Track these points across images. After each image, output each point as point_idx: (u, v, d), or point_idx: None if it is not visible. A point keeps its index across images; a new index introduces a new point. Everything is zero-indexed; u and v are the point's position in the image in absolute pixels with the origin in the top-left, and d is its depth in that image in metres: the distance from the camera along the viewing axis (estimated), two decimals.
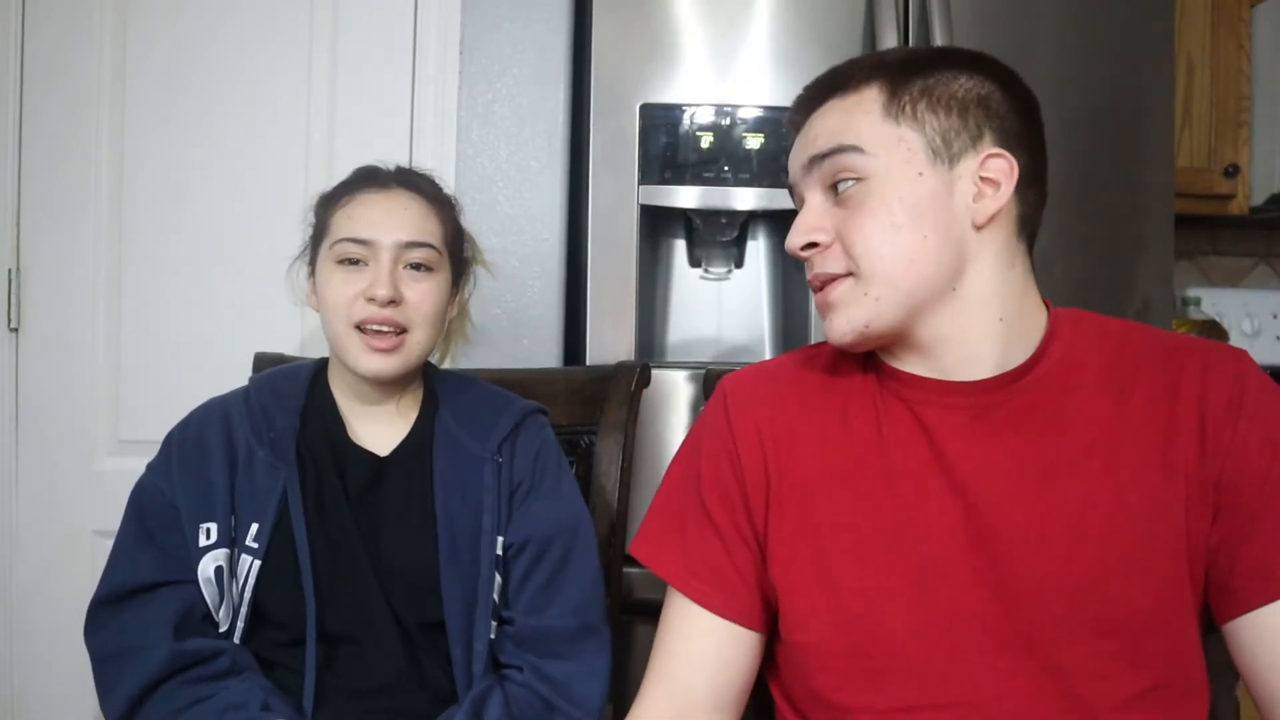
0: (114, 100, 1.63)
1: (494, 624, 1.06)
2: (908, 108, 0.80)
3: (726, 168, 1.54)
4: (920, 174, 0.79)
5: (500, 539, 1.07)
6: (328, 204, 1.13)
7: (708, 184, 1.54)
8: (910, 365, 0.83)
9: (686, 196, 1.54)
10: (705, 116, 1.54)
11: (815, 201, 0.83)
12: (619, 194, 1.53)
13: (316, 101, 1.65)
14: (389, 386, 1.11)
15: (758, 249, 1.69)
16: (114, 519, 1.64)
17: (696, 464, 0.90)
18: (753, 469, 0.86)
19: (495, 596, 1.06)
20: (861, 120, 0.81)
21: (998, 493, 0.78)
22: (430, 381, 1.17)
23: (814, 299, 0.85)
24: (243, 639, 1.04)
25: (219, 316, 1.63)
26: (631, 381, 1.33)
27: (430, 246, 1.09)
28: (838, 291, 0.81)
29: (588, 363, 1.53)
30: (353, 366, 1.07)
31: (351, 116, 1.65)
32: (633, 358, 1.52)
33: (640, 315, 1.55)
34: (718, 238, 1.61)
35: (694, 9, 1.55)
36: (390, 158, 1.63)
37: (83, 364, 1.63)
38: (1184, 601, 0.77)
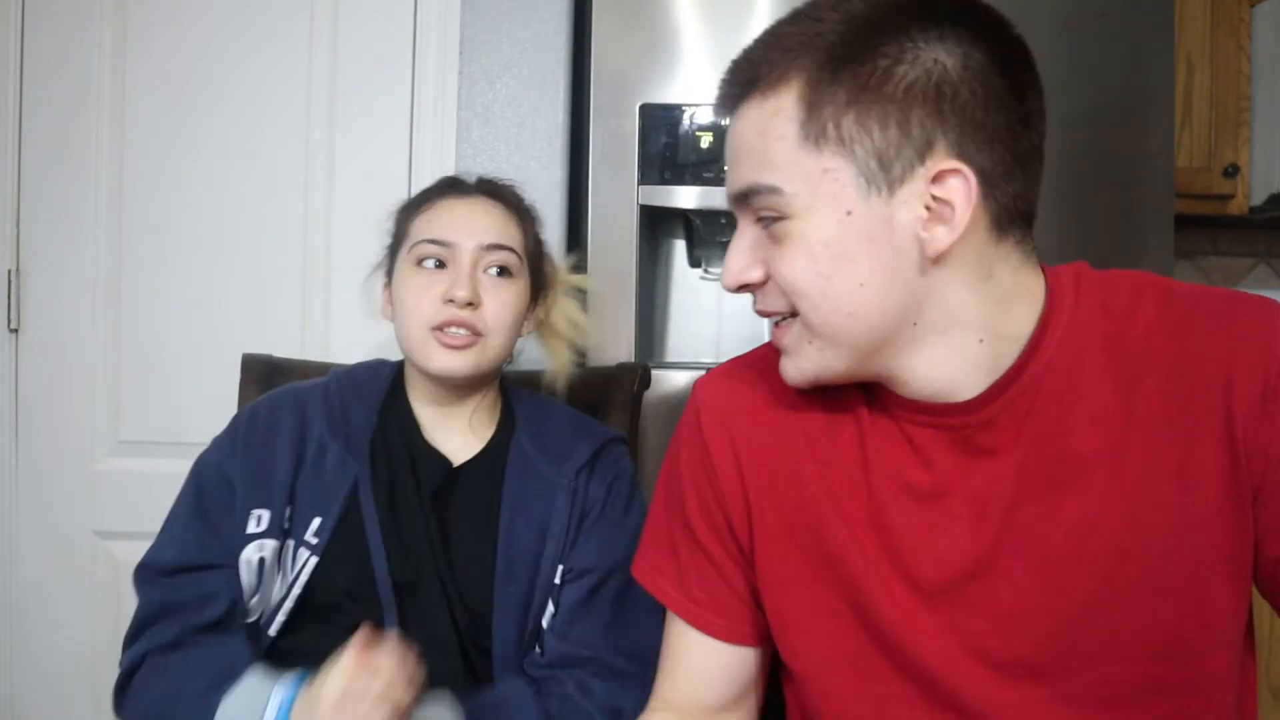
0: (114, 100, 1.63)
1: (536, 650, 1.05)
2: (830, 127, 0.65)
3: (726, 168, 1.54)
4: (849, 213, 0.66)
5: (560, 566, 1.05)
6: (408, 211, 1.12)
7: (708, 184, 1.54)
8: (896, 387, 0.74)
9: (686, 196, 1.54)
10: (705, 116, 1.54)
11: (747, 233, 0.72)
12: (619, 194, 1.53)
13: (316, 101, 1.65)
14: (461, 390, 1.10)
15: None
16: (114, 519, 1.64)
17: (679, 484, 0.84)
18: (732, 493, 0.80)
19: (545, 624, 1.04)
20: (776, 146, 0.67)
21: (997, 513, 0.71)
22: (509, 400, 1.16)
23: None
24: (281, 631, 1.02)
25: (219, 317, 1.63)
26: (633, 383, 1.33)
27: (510, 250, 1.09)
28: (788, 336, 0.73)
29: (587, 363, 1.53)
30: (424, 364, 1.05)
31: (351, 116, 1.65)
32: (632, 358, 1.52)
33: (640, 315, 1.55)
34: (718, 238, 1.61)
35: (694, 9, 1.55)
36: (390, 158, 1.65)
37: (83, 364, 1.63)
38: (1215, 626, 0.69)
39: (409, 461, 1.07)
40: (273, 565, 1.03)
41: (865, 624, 0.75)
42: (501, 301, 1.07)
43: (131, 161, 1.63)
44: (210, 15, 1.64)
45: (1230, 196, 2.09)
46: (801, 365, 0.72)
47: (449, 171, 1.64)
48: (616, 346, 1.53)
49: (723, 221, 1.59)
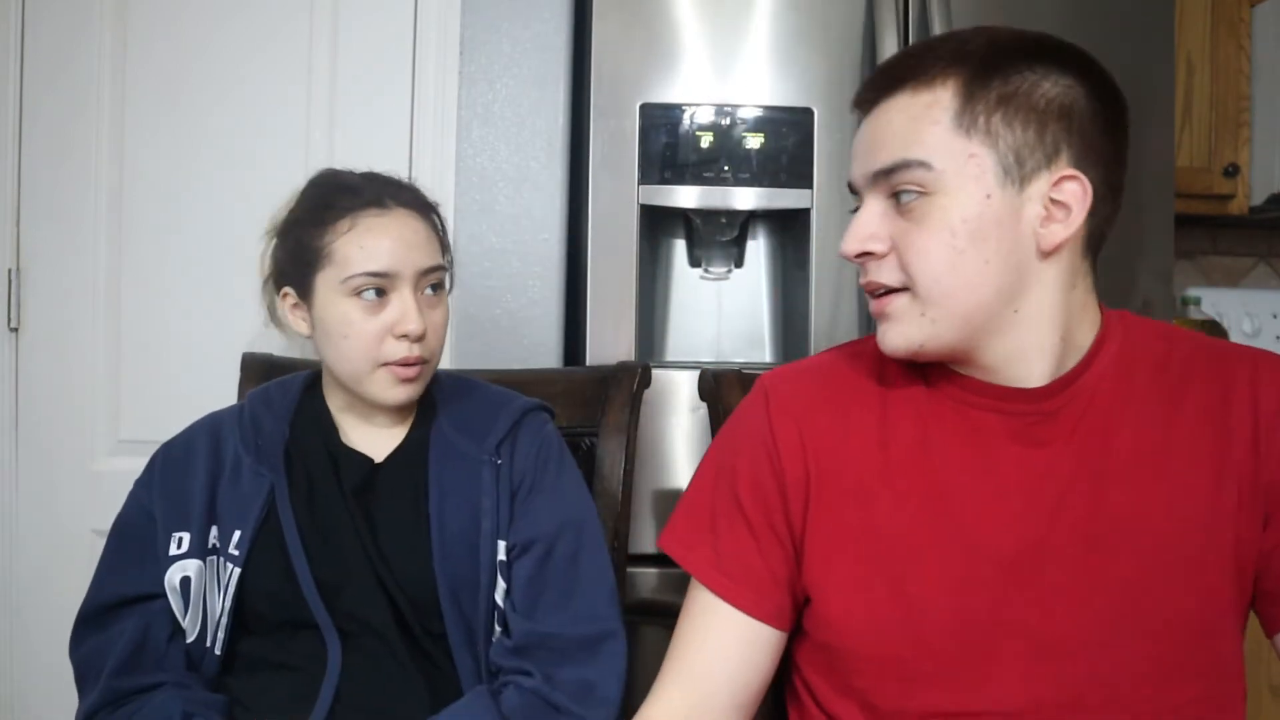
0: (114, 100, 1.63)
1: (499, 630, 1.05)
2: (981, 119, 0.75)
3: (726, 167, 1.54)
4: (988, 196, 0.75)
5: (502, 543, 1.06)
6: (318, 227, 1.06)
7: (708, 184, 1.54)
8: (965, 370, 0.82)
9: (686, 196, 1.54)
10: (705, 116, 1.54)
11: (875, 207, 0.79)
12: (619, 194, 1.53)
13: (316, 101, 1.65)
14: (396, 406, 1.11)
15: (758, 249, 1.69)
16: (113, 519, 1.64)
17: (733, 461, 0.88)
18: (793, 469, 0.84)
19: (500, 601, 1.05)
20: (930, 130, 0.76)
21: (1047, 499, 0.77)
22: (429, 387, 1.16)
23: (869, 302, 0.83)
24: (225, 647, 1.04)
25: (219, 317, 1.63)
26: (633, 382, 1.33)
27: (442, 268, 1.09)
28: (894, 305, 0.79)
29: (588, 363, 1.53)
30: (377, 399, 1.06)
31: (351, 116, 1.65)
32: (633, 358, 1.52)
33: (640, 315, 1.55)
34: (717, 238, 1.61)
35: (694, 9, 1.55)
36: (390, 158, 1.64)
37: (83, 364, 1.63)
38: (1227, 610, 0.77)
39: (329, 464, 1.08)
40: (201, 584, 1.04)
41: (903, 600, 0.79)
42: (440, 321, 1.08)
43: (131, 161, 1.63)
44: (210, 15, 1.64)
45: (1230, 196, 2.09)
46: (909, 333, 0.78)
47: (449, 171, 1.64)
48: (616, 346, 1.53)
49: (723, 221, 1.59)
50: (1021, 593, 0.77)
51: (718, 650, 0.85)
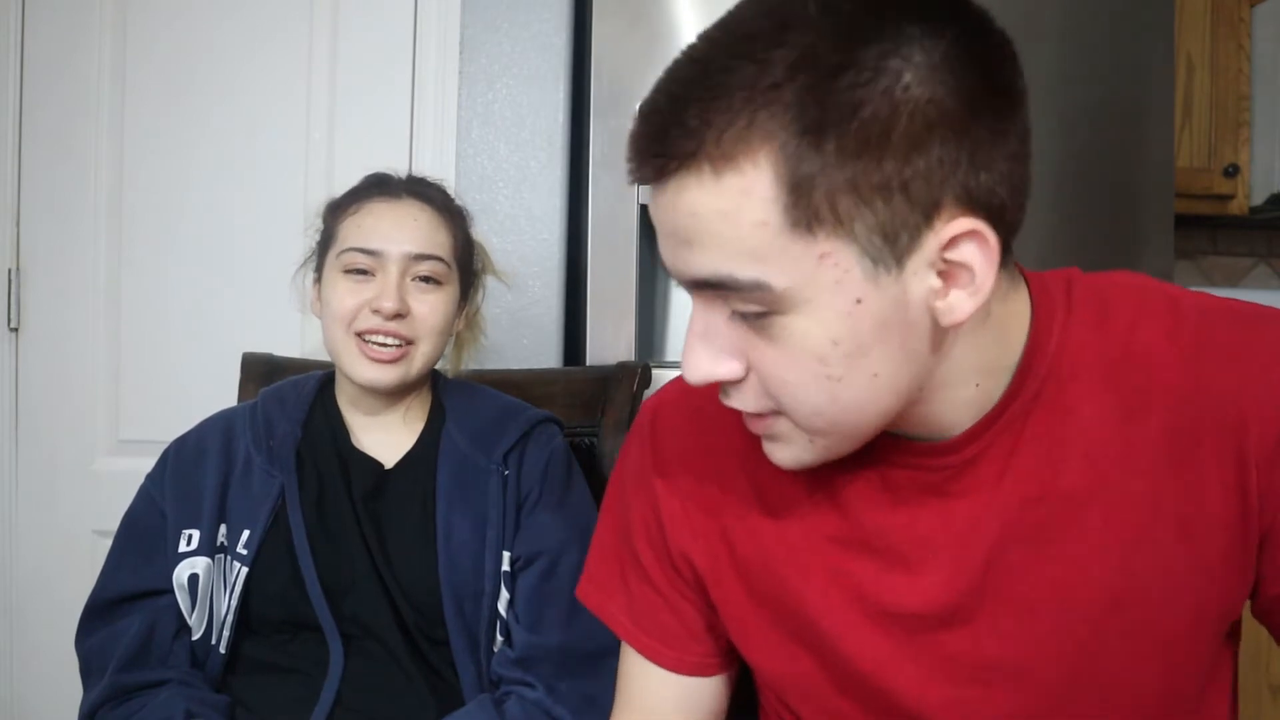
0: (114, 100, 1.63)
1: (501, 639, 1.06)
2: (824, 210, 0.51)
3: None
4: (858, 301, 0.53)
5: (507, 554, 1.06)
6: (336, 211, 1.11)
7: None
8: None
9: None
10: None
11: (711, 318, 0.58)
12: (619, 194, 1.53)
13: (316, 101, 1.65)
14: (391, 396, 1.11)
15: None
16: (113, 519, 1.64)
17: (628, 515, 0.78)
18: (680, 542, 0.75)
19: (503, 611, 1.05)
20: (753, 233, 0.52)
21: (978, 558, 0.64)
22: (438, 392, 1.16)
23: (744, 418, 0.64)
24: (230, 647, 1.04)
25: (219, 317, 1.63)
26: (634, 382, 1.33)
27: (439, 259, 1.08)
28: (777, 427, 0.61)
29: (587, 363, 1.53)
30: (349, 374, 1.06)
31: (351, 116, 1.65)
32: (632, 358, 1.52)
33: (640, 315, 1.54)
34: None
35: (694, 9, 1.55)
36: (390, 158, 1.64)
37: (83, 364, 1.63)
38: (1207, 675, 0.65)
39: (339, 467, 1.09)
40: (209, 582, 1.04)
41: (833, 672, 0.70)
42: (431, 308, 1.07)
43: (131, 161, 1.63)
44: (210, 15, 1.64)
45: (1230, 196, 2.09)
46: (801, 457, 0.62)
47: (449, 171, 1.64)
48: (616, 346, 1.53)
49: None
50: (957, 670, 0.65)
51: (654, 703, 0.79)
